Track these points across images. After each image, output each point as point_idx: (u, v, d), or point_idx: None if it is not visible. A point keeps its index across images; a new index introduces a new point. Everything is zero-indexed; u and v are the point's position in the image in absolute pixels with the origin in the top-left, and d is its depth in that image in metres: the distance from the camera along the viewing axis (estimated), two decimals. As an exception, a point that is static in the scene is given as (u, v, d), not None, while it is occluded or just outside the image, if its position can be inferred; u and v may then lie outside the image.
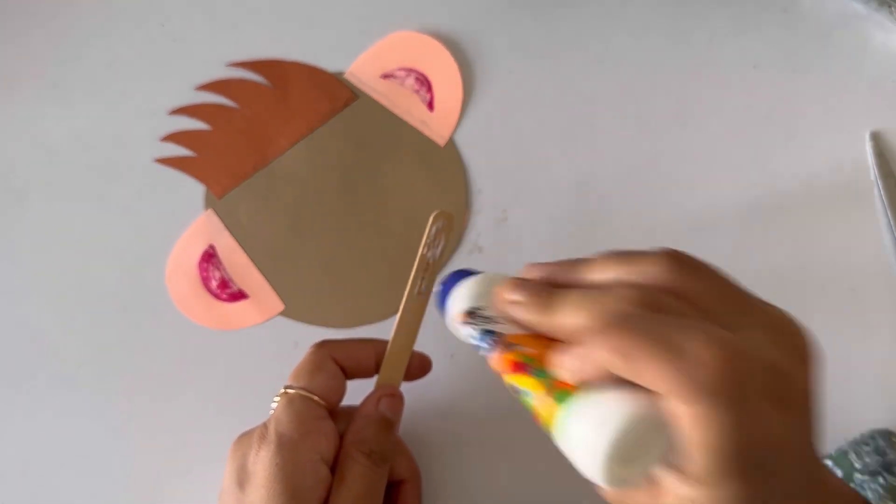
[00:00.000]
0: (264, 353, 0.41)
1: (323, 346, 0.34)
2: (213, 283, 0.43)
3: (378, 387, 0.35)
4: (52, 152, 0.45)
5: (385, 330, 0.41)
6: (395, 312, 0.42)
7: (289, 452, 0.30)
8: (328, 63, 0.46)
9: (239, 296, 0.42)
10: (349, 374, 0.35)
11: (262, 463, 0.30)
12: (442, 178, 0.44)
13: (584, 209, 0.43)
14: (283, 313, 0.42)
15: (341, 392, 0.34)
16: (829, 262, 0.42)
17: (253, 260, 0.43)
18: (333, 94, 0.45)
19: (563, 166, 0.44)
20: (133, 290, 0.43)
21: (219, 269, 0.43)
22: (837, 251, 0.42)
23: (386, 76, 0.45)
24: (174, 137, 0.45)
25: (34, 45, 0.47)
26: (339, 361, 0.34)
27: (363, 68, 0.46)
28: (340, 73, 0.46)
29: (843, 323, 0.41)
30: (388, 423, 0.34)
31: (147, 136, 0.45)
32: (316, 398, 0.32)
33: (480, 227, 0.43)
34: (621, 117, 0.44)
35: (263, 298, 0.42)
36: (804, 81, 0.45)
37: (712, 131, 0.44)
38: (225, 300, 0.42)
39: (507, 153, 0.44)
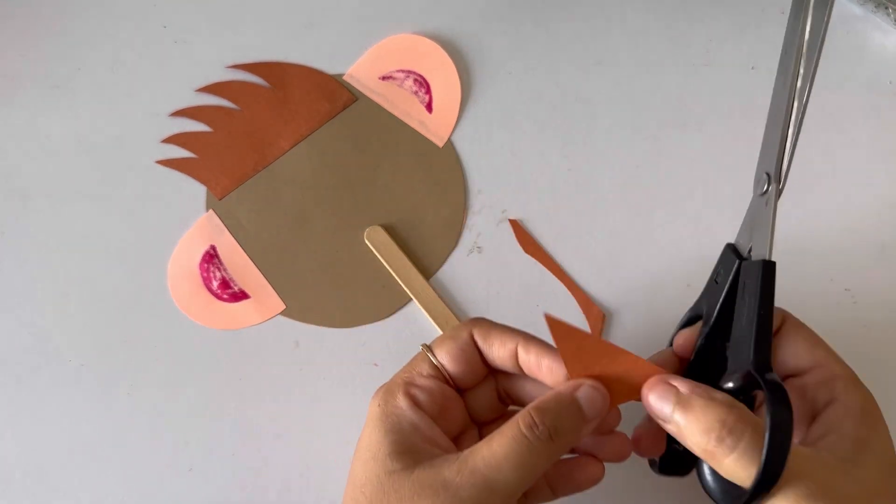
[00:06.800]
0: (266, 353, 0.42)
1: (472, 321, 0.33)
2: (215, 284, 0.43)
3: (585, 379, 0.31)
4: (54, 153, 0.45)
5: (384, 328, 0.42)
6: (394, 312, 0.42)
7: (385, 394, 0.31)
8: (328, 65, 0.46)
9: (240, 296, 0.43)
10: (488, 356, 0.33)
11: (370, 405, 0.32)
12: (441, 178, 0.44)
13: (583, 209, 0.43)
14: (283, 313, 0.42)
15: (465, 364, 0.32)
16: (824, 263, 0.42)
17: (253, 260, 0.43)
18: (333, 95, 0.45)
19: (562, 167, 0.44)
20: (135, 291, 0.43)
21: (220, 269, 0.43)
22: (832, 251, 0.42)
23: (385, 78, 0.46)
24: (175, 139, 0.45)
25: (37, 47, 0.47)
26: (477, 339, 0.33)
27: (362, 70, 0.46)
28: (340, 75, 0.46)
29: (837, 323, 0.41)
30: (576, 408, 0.29)
31: (148, 138, 0.45)
32: (433, 359, 0.32)
33: (480, 227, 0.43)
34: (620, 118, 0.45)
35: (264, 298, 0.43)
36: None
37: (710, 132, 0.44)
38: (226, 300, 0.43)
39: (506, 154, 0.44)
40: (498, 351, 0.32)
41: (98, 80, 0.47)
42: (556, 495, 0.33)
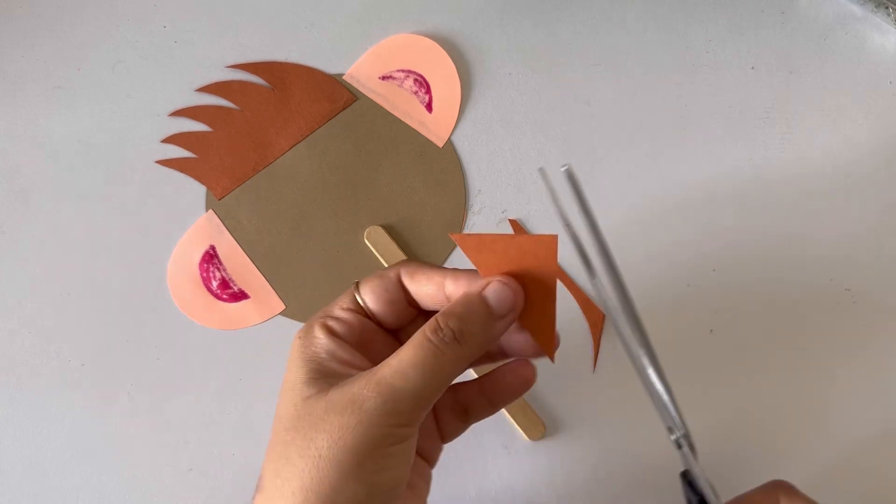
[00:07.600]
0: (265, 353, 0.42)
1: (401, 262, 0.32)
2: (214, 284, 0.43)
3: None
4: (55, 153, 0.45)
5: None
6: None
7: (304, 329, 0.31)
8: (328, 65, 0.46)
9: (240, 296, 0.43)
10: (416, 294, 0.31)
11: (292, 345, 0.31)
12: (441, 178, 0.44)
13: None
14: (283, 313, 0.42)
15: (387, 303, 0.31)
16: (824, 263, 0.42)
17: (253, 260, 0.43)
18: (333, 95, 0.45)
19: (562, 167, 0.44)
20: (135, 291, 0.43)
21: (219, 269, 0.43)
22: (832, 251, 0.42)
23: (385, 78, 0.46)
24: (175, 139, 0.45)
25: (37, 47, 0.47)
26: (404, 278, 0.31)
27: (362, 70, 0.46)
28: (340, 75, 0.46)
29: (838, 324, 0.41)
30: (483, 307, 0.29)
31: (149, 138, 0.45)
32: (358, 296, 0.31)
33: (480, 227, 0.43)
34: (619, 119, 0.45)
35: (264, 298, 0.43)
36: (801, 83, 0.45)
37: (710, 132, 0.44)
38: (226, 300, 0.43)
39: (506, 154, 0.44)
40: (425, 287, 0.31)
41: (99, 80, 0.47)
42: (494, 406, 0.32)
